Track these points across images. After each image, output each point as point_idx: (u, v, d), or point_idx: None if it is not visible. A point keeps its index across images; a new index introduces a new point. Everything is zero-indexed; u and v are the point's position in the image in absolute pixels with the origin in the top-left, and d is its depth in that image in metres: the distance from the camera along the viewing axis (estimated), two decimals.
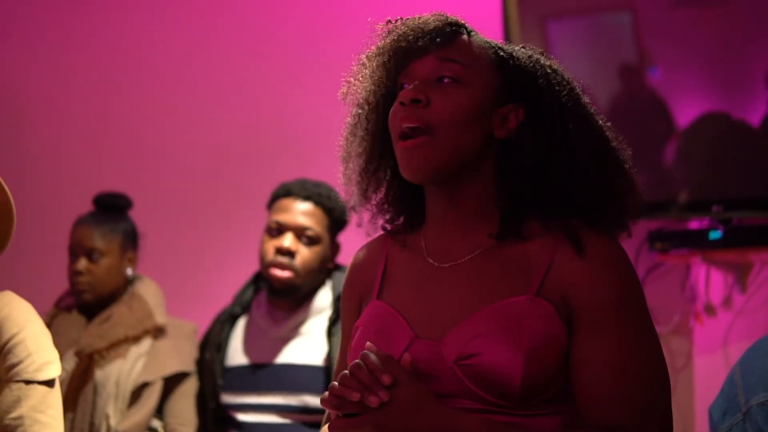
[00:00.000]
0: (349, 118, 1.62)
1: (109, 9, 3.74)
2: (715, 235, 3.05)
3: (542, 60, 1.56)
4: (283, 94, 3.61)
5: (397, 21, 1.57)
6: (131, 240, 3.01)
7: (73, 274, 2.94)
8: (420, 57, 1.53)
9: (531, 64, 1.55)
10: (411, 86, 1.52)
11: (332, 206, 2.87)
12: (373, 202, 1.63)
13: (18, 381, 1.85)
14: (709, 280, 3.18)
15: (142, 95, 3.70)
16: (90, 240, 2.95)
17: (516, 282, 1.47)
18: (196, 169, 3.66)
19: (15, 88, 3.72)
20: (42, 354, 1.89)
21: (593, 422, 1.44)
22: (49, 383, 1.89)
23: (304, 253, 2.83)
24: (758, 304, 3.15)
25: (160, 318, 2.95)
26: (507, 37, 3.15)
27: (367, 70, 1.58)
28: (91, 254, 2.94)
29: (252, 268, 3.00)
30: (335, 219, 2.89)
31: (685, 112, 3.14)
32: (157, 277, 3.09)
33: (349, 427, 1.40)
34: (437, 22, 1.54)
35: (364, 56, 1.59)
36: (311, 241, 2.85)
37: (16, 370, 1.86)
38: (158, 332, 2.94)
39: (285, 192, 2.90)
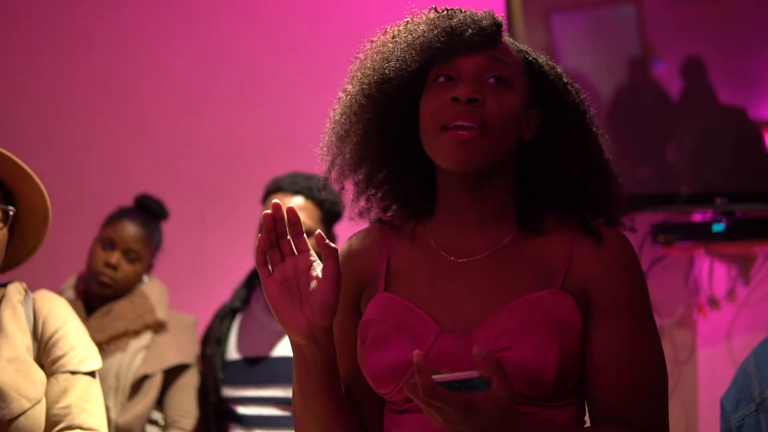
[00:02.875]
0: (351, 95, 1.57)
1: (111, 9, 3.74)
2: (719, 227, 3.06)
3: (553, 65, 1.59)
4: (285, 91, 3.62)
5: (443, 12, 1.55)
6: (158, 250, 3.07)
7: (104, 264, 2.95)
8: (470, 53, 1.51)
9: (549, 69, 1.57)
10: (464, 83, 1.49)
11: (323, 199, 2.86)
12: (370, 191, 1.61)
13: (64, 372, 1.92)
14: (713, 272, 3.19)
15: (144, 94, 3.71)
16: (134, 240, 2.98)
17: (538, 276, 1.50)
18: (199, 165, 3.67)
19: (15, 88, 3.73)
20: (84, 347, 1.97)
21: (604, 414, 1.47)
22: (92, 374, 1.96)
23: None
24: (761, 297, 3.16)
25: (161, 314, 2.96)
26: (511, 32, 3.15)
27: (386, 50, 1.55)
28: (128, 253, 2.98)
29: (252, 264, 3.01)
30: (327, 211, 2.89)
31: (689, 105, 3.15)
32: (160, 272, 3.11)
33: (440, 396, 1.31)
34: (490, 20, 1.53)
35: (390, 35, 1.56)
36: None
37: (61, 362, 1.92)
38: (159, 327, 2.95)
39: (275, 187, 2.90)
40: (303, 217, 2.80)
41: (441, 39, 1.51)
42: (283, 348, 2.84)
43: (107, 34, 3.72)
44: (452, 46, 1.51)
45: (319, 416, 1.52)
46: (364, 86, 1.56)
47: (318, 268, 1.46)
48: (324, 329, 1.45)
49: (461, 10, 1.55)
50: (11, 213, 1.92)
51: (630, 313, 1.49)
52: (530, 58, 1.56)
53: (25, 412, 1.84)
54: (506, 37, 1.56)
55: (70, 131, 3.71)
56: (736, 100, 3.11)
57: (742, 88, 3.08)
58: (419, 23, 1.54)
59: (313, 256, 1.47)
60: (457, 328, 1.49)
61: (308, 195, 2.86)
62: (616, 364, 1.47)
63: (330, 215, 2.90)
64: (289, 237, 1.47)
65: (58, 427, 1.88)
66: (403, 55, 1.53)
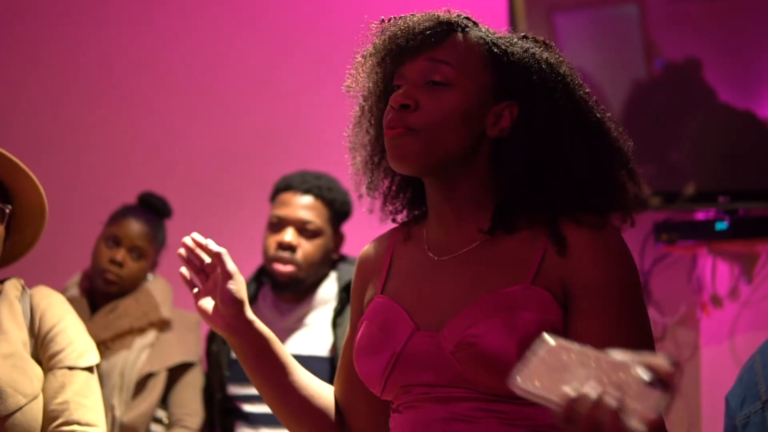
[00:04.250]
0: (355, 109, 1.63)
1: (112, 7, 3.75)
2: (722, 226, 3.06)
3: (538, 53, 1.54)
4: (288, 89, 3.62)
5: (390, 20, 1.57)
6: (162, 248, 3.07)
7: (110, 262, 2.96)
8: (411, 58, 1.53)
9: (526, 60, 1.53)
10: (401, 90, 1.52)
11: (333, 198, 2.87)
12: (381, 193, 1.64)
13: (62, 367, 1.92)
14: (716, 271, 3.19)
15: (146, 92, 3.71)
16: (139, 237, 2.99)
17: (511, 272, 1.49)
18: (203, 162, 3.67)
19: (17, 86, 3.74)
20: (82, 342, 1.98)
21: None
22: (90, 369, 1.96)
23: (305, 247, 2.84)
24: (764, 295, 3.15)
25: (165, 312, 2.97)
26: (513, 31, 3.15)
27: (365, 67, 1.59)
28: (133, 250, 2.98)
29: (258, 260, 3.02)
30: (336, 210, 2.89)
31: (692, 104, 3.15)
32: (163, 271, 3.11)
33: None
34: (428, 23, 1.54)
35: (362, 53, 1.60)
36: (313, 235, 2.85)
37: (59, 357, 1.93)
38: (163, 325, 2.96)
39: (285, 186, 2.91)
40: (312, 216, 2.87)
41: (388, 49, 1.55)
42: (292, 345, 2.85)
43: (109, 31, 3.72)
44: (396, 55, 1.54)
45: (272, 404, 1.64)
46: (360, 101, 1.62)
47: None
48: (236, 318, 1.60)
49: (404, 17, 1.56)
50: (7, 211, 1.92)
51: (611, 306, 1.45)
52: (497, 50, 1.53)
53: (21, 408, 1.84)
54: (471, 31, 1.54)
55: (73, 129, 3.71)
56: (738, 99, 3.11)
57: (745, 86, 3.08)
58: (377, 37, 1.58)
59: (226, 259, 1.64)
60: (431, 325, 1.50)
61: (318, 194, 2.87)
62: None
63: (338, 215, 2.90)
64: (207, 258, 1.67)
65: (55, 423, 1.88)
66: (373, 72, 1.59)
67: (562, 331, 1.45)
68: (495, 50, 1.53)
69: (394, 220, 1.66)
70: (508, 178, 1.52)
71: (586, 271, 1.46)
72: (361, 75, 1.60)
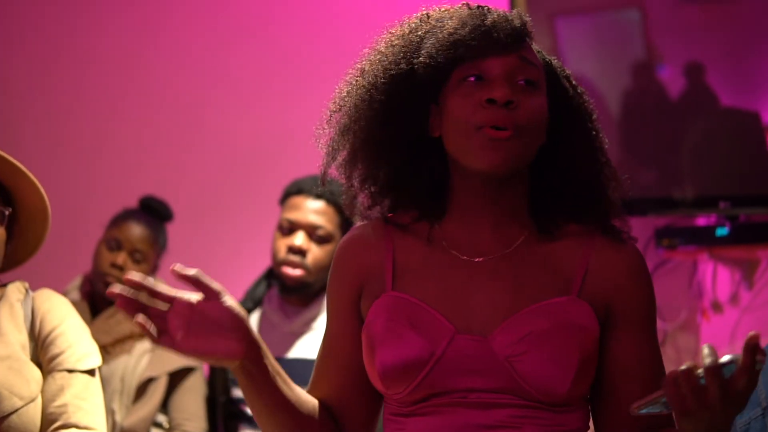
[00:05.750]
0: (359, 86, 1.53)
1: (117, 10, 3.75)
2: (722, 231, 3.06)
3: (562, 66, 1.57)
4: (291, 92, 3.62)
5: (476, 9, 1.51)
6: (163, 251, 3.07)
7: (111, 265, 2.96)
8: (501, 54, 1.48)
9: (561, 71, 1.56)
10: (498, 85, 1.46)
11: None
12: (373, 189, 1.57)
13: (61, 370, 1.90)
14: (716, 276, 3.19)
15: (148, 95, 3.71)
16: (140, 241, 2.99)
17: (555, 282, 1.49)
18: (203, 167, 3.67)
19: (21, 90, 3.74)
20: (82, 345, 1.96)
21: (616, 424, 1.49)
22: (91, 372, 1.94)
23: (315, 252, 2.84)
24: (765, 301, 3.16)
25: None
26: None
27: (417, 44, 1.51)
28: (134, 254, 2.98)
29: (263, 263, 3.02)
30: (347, 216, 2.89)
31: (693, 109, 3.15)
32: (165, 274, 3.11)
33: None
34: (520, 20, 1.50)
35: (410, 28, 1.53)
36: (323, 240, 2.84)
37: (58, 360, 1.91)
38: None
39: (297, 189, 2.89)
40: (323, 222, 2.85)
41: (472, 37, 1.47)
42: (299, 350, 2.84)
43: (113, 34, 3.72)
44: (484, 45, 1.47)
45: (277, 420, 1.52)
46: (379, 78, 1.52)
47: (195, 296, 1.45)
48: (248, 336, 1.44)
49: (493, 10, 1.52)
50: (7, 213, 1.92)
51: (647, 324, 1.51)
52: (547, 60, 1.55)
53: (17, 410, 1.83)
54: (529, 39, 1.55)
55: (75, 132, 3.71)
56: (739, 104, 3.11)
57: (746, 92, 3.09)
58: (448, 18, 1.51)
59: (178, 293, 1.44)
60: (472, 329, 1.47)
61: (330, 199, 2.85)
62: (634, 374, 1.48)
63: (349, 221, 2.89)
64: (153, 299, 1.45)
65: (53, 426, 1.86)
66: (430, 49, 1.48)
67: (598, 344, 1.48)
68: (545, 59, 1.55)
69: (384, 217, 1.59)
70: (550, 183, 1.53)
71: (631, 289, 1.50)
72: (396, 50, 1.51)
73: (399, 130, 1.53)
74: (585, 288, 1.48)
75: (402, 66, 1.50)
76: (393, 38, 1.53)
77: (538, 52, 1.54)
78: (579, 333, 1.45)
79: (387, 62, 1.52)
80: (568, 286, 1.48)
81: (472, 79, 1.48)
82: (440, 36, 1.49)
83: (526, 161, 1.50)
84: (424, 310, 1.49)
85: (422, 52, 1.49)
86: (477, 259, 1.52)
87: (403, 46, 1.51)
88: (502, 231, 1.52)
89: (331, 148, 1.57)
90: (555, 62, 1.57)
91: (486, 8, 1.51)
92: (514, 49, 1.48)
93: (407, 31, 1.53)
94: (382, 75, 1.51)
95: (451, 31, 1.48)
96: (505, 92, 1.45)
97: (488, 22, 1.48)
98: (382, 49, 1.53)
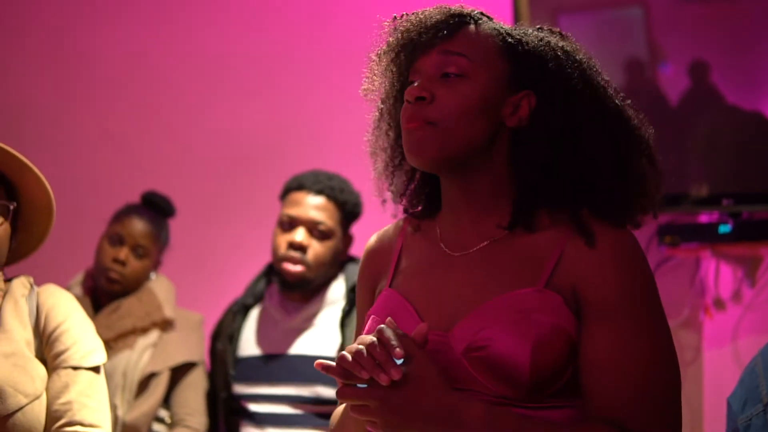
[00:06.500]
0: (373, 113, 1.63)
1: (119, 7, 3.76)
2: (725, 228, 3.06)
3: (554, 42, 1.53)
4: (292, 88, 3.62)
5: (402, 17, 1.57)
6: (165, 247, 3.08)
7: (113, 260, 2.96)
8: (425, 52, 1.52)
9: (541, 48, 1.52)
10: (416, 84, 1.51)
11: (345, 200, 2.86)
12: (400, 194, 1.63)
13: (66, 367, 1.90)
14: (719, 274, 3.19)
15: (150, 91, 3.72)
16: (142, 236, 2.99)
17: (525, 273, 1.47)
18: (205, 162, 3.68)
19: (24, 86, 3.75)
20: (87, 341, 1.96)
21: (598, 415, 1.43)
22: (95, 369, 1.94)
23: (316, 248, 2.83)
24: (767, 298, 3.16)
25: (168, 311, 2.96)
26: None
27: (379, 67, 1.59)
28: (137, 249, 2.99)
29: (264, 259, 3.02)
30: (348, 212, 2.88)
31: (696, 107, 3.15)
32: (168, 270, 3.12)
33: (354, 397, 1.40)
34: (440, 15, 1.54)
35: (375, 53, 1.59)
36: (323, 236, 2.84)
37: (63, 357, 1.91)
38: (166, 325, 2.96)
39: (297, 185, 2.89)
40: (324, 218, 2.85)
41: (401, 46, 1.55)
42: (300, 346, 2.84)
43: (116, 31, 3.73)
44: (410, 50, 1.54)
45: None
46: (378, 104, 1.62)
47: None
48: None
49: (416, 12, 1.56)
50: (12, 208, 1.92)
51: (624, 314, 1.43)
52: (511, 40, 1.53)
53: (22, 407, 1.83)
54: (483, 23, 1.54)
55: (78, 128, 3.72)
56: (742, 102, 3.11)
57: (749, 89, 3.09)
58: (390, 35, 1.58)
59: None
60: (440, 324, 1.47)
61: (330, 195, 2.85)
62: (606, 366, 1.42)
63: (350, 216, 2.89)
64: None
65: (58, 423, 1.87)
66: (388, 71, 1.58)
67: (575, 338, 1.43)
68: (509, 40, 1.53)
69: (406, 212, 1.65)
70: (527, 170, 1.50)
71: (601, 278, 1.44)
72: (377, 76, 1.60)
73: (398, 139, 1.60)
74: (555, 278, 1.45)
75: (384, 90, 1.61)
76: (369, 68, 1.62)
77: (500, 34, 1.53)
78: (537, 324, 1.41)
79: (374, 85, 1.61)
80: (537, 276, 1.46)
81: (414, 82, 1.54)
82: (388, 57, 1.58)
83: (466, 149, 1.50)
84: (404, 307, 1.52)
85: (386, 76, 1.59)
86: (456, 254, 1.53)
87: (375, 74, 1.61)
88: (482, 223, 1.53)
89: (374, 168, 1.65)
90: (531, 40, 1.53)
91: (409, 14, 1.57)
92: (434, 44, 1.52)
93: (372, 60, 1.61)
94: (379, 99, 1.62)
95: (391, 48, 1.57)
96: (412, 91, 1.51)
97: (413, 24, 1.55)
98: (370, 73, 1.62)
